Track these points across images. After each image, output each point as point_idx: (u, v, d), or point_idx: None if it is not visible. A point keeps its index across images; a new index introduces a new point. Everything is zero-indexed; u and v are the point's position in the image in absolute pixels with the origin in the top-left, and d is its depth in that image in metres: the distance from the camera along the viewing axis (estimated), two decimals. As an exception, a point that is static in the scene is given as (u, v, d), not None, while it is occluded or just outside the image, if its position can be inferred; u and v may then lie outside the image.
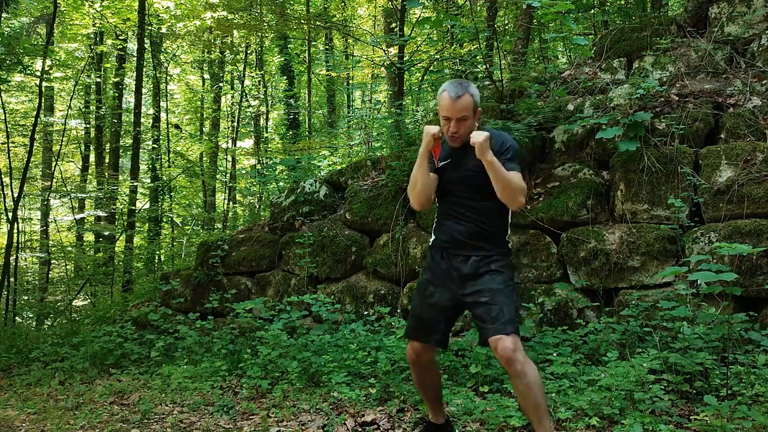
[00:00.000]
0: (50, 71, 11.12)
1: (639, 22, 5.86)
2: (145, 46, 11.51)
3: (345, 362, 4.26)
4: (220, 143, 15.78)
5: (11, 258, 8.85)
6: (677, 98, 4.83)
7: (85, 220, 13.90)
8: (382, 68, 11.54)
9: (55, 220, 15.01)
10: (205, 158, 16.41)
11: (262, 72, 15.58)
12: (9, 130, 10.91)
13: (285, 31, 12.45)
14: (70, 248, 13.29)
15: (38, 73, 9.08)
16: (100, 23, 12.44)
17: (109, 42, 13.28)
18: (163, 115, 15.03)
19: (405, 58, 9.37)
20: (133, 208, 10.94)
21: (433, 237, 2.95)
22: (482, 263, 2.77)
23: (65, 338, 6.38)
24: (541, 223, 4.76)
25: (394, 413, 3.58)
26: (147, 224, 12.39)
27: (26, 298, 12.15)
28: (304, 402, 3.87)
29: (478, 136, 2.69)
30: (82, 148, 15.33)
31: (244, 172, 15.46)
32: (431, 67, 10.34)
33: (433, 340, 2.85)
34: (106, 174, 12.31)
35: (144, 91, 12.18)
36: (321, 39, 15.45)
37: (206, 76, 17.02)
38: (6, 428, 3.88)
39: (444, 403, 3.17)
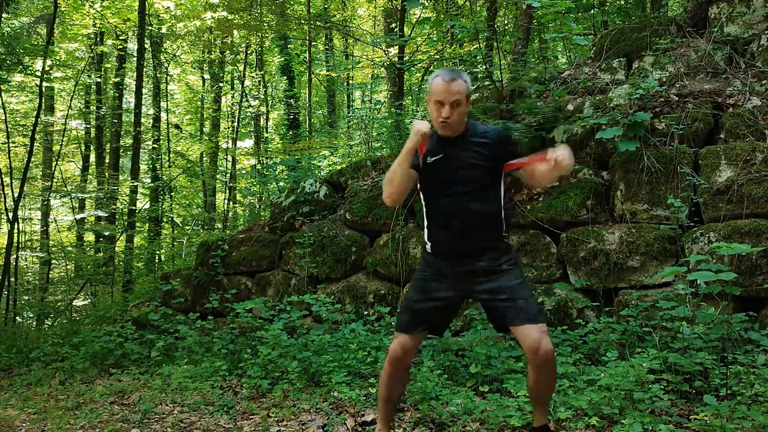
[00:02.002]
0: (50, 71, 11.14)
1: (639, 23, 5.86)
2: (146, 46, 11.52)
3: (345, 362, 4.27)
4: (220, 143, 15.78)
5: (11, 258, 8.85)
6: (677, 98, 4.84)
7: (86, 220, 13.91)
8: (382, 68, 11.54)
9: (56, 220, 15.01)
10: (205, 158, 16.41)
11: (262, 72, 15.58)
12: (9, 130, 10.91)
13: (285, 31, 12.45)
14: (70, 248, 13.29)
15: (38, 73, 9.08)
16: (101, 23, 12.45)
17: (110, 42, 13.29)
18: (163, 115, 15.04)
19: (405, 58, 9.38)
20: (134, 208, 10.94)
21: (429, 245, 2.80)
22: (492, 265, 2.70)
23: (65, 338, 6.38)
24: (540, 223, 4.77)
25: (394, 413, 3.58)
26: (147, 224, 12.39)
27: (26, 298, 12.15)
28: (304, 402, 3.87)
29: (567, 157, 2.50)
30: (83, 148, 15.34)
31: (244, 172, 15.46)
32: (431, 67, 10.35)
33: (430, 327, 2.83)
34: (107, 174, 12.31)
35: (144, 91, 12.18)
36: (321, 39, 15.45)
37: (206, 76, 17.02)
38: (6, 428, 3.88)
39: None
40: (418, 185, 2.83)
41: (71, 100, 13.45)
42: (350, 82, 16.86)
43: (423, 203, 2.86)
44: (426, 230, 2.82)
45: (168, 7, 11.72)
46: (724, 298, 3.84)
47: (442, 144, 2.74)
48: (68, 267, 13.31)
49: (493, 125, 4.86)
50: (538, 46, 10.45)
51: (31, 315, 10.64)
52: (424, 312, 2.79)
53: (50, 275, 12.68)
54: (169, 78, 15.74)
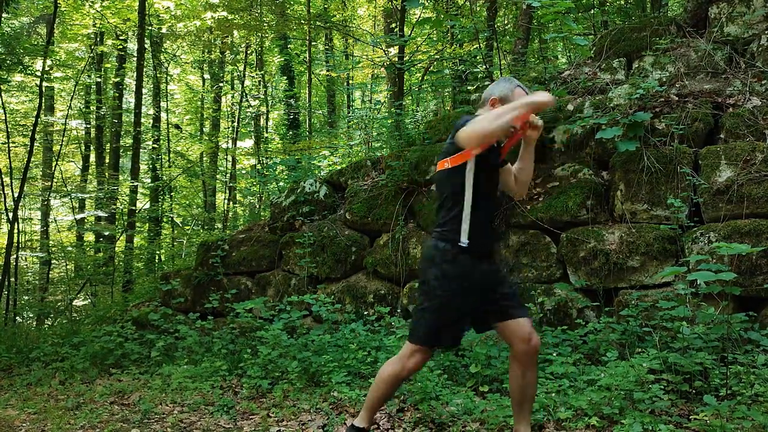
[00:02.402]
0: (50, 71, 11.14)
1: (639, 23, 5.86)
2: (146, 46, 11.52)
3: (345, 362, 4.27)
4: (220, 143, 15.79)
5: (11, 258, 8.85)
6: (677, 98, 4.84)
7: (86, 220, 13.91)
8: (382, 68, 11.54)
9: (56, 220, 15.02)
10: (205, 158, 16.42)
11: (262, 72, 15.59)
12: (9, 130, 10.92)
13: (285, 31, 12.46)
14: (70, 248, 13.29)
15: (38, 73, 9.08)
16: (101, 23, 12.45)
17: (110, 42, 13.29)
18: (163, 115, 15.05)
19: (405, 58, 9.39)
20: (134, 208, 10.94)
21: (473, 241, 2.70)
22: (500, 265, 2.91)
23: (65, 338, 6.38)
24: (540, 223, 4.77)
25: (394, 413, 3.59)
26: (147, 224, 12.40)
27: (26, 298, 12.15)
28: (304, 402, 3.87)
29: (538, 118, 2.72)
30: (83, 148, 15.34)
31: (244, 172, 15.46)
32: (431, 67, 10.35)
33: (457, 341, 2.87)
34: (107, 174, 12.31)
35: (144, 91, 12.19)
36: (321, 39, 15.46)
37: (206, 76, 17.03)
38: (6, 428, 3.88)
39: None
40: (471, 176, 2.72)
41: (71, 100, 13.46)
42: (350, 82, 16.86)
43: (469, 196, 2.72)
44: (462, 226, 2.71)
45: (168, 7, 11.72)
46: (724, 298, 3.84)
47: (492, 149, 2.75)
48: (68, 267, 13.32)
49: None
50: (538, 46, 10.45)
51: (31, 315, 10.64)
52: (452, 325, 2.77)
53: (50, 275, 12.68)
54: (169, 78, 15.74)
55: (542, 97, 2.53)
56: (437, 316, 2.74)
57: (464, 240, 2.70)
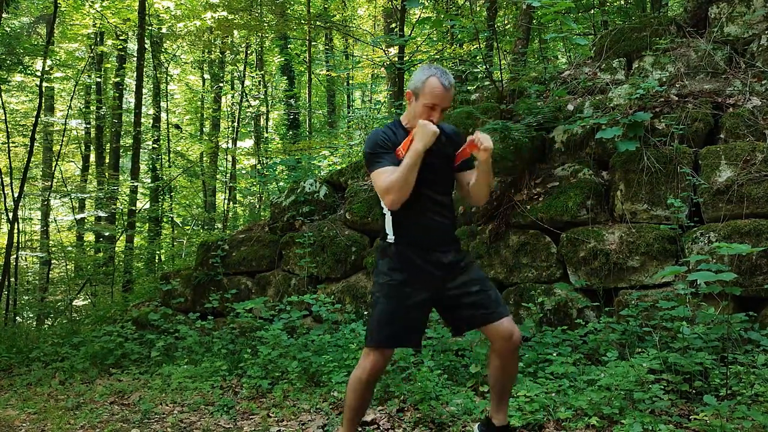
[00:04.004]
0: (50, 71, 11.14)
1: (639, 23, 5.86)
2: (146, 46, 11.52)
3: (345, 362, 4.27)
4: (220, 143, 15.80)
5: (11, 258, 8.85)
6: (677, 98, 4.84)
7: (86, 220, 13.92)
8: (382, 68, 11.54)
9: (56, 220, 15.02)
10: (205, 158, 16.42)
11: (262, 72, 15.59)
12: (9, 130, 10.93)
13: (285, 31, 12.46)
14: (70, 248, 13.30)
15: (38, 73, 9.09)
16: (101, 23, 12.46)
17: (110, 42, 13.30)
18: (163, 115, 15.05)
19: (405, 58, 9.38)
20: (134, 208, 10.95)
21: (400, 236, 2.73)
22: (458, 256, 2.79)
23: (65, 338, 6.39)
24: (540, 223, 4.77)
25: (394, 413, 3.59)
26: (147, 224, 12.40)
27: (26, 298, 12.15)
28: (304, 402, 3.87)
29: (488, 140, 2.63)
30: (83, 148, 15.35)
31: (244, 172, 15.47)
32: (431, 67, 10.32)
33: (413, 341, 2.80)
34: (107, 174, 12.32)
35: (144, 91, 12.19)
36: (321, 39, 15.46)
37: (206, 76, 17.03)
38: (6, 428, 3.88)
39: None
40: None
41: (71, 100, 13.46)
42: (350, 82, 16.88)
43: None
44: (394, 222, 2.74)
45: (168, 7, 11.72)
46: (724, 298, 3.84)
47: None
48: (68, 267, 13.32)
49: (493, 125, 4.88)
50: (538, 46, 10.44)
51: (31, 315, 10.65)
52: (402, 323, 2.71)
53: (50, 275, 12.69)
54: (169, 78, 15.74)
55: (426, 134, 2.57)
56: (385, 313, 2.71)
57: (390, 235, 2.76)
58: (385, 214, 2.78)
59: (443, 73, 2.66)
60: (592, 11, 8.37)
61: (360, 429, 3.41)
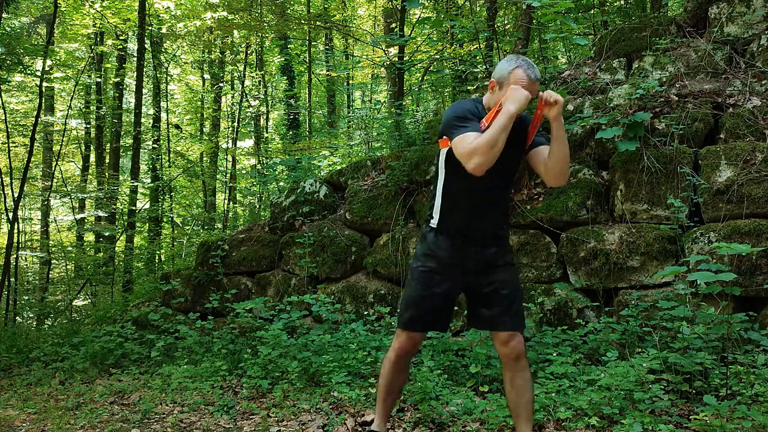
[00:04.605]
0: (50, 71, 11.14)
1: (639, 23, 5.86)
2: (146, 46, 11.52)
3: (345, 362, 4.27)
4: (220, 143, 15.79)
5: (11, 258, 8.85)
6: (677, 98, 4.84)
7: (86, 220, 13.91)
8: (382, 68, 11.54)
9: (56, 220, 15.02)
10: (205, 158, 16.42)
11: (262, 72, 15.59)
12: (9, 130, 10.93)
13: (285, 31, 12.46)
14: (70, 248, 13.30)
15: (38, 73, 9.09)
16: (101, 23, 12.45)
17: (110, 42, 13.29)
18: (163, 115, 15.05)
19: (405, 58, 9.39)
20: (134, 208, 10.95)
21: (442, 221, 2.70)
22: (500, 254, 2.73)
23: (65, 338, 6.38)
24: (540, 223, 4.77)
25: (394, 413, 3.59)
26: (147, 224, 12.40)
27: (26, 298, 12.15)
28: (304, 402, 3.87)
29: (556, 94, 2.50)
30: (83, 148, 15.35)
31: (244, 172, 15.47)
32: (431, 67, 10.34)
33: (438, 326, 2.82)
34: (107, 174, 12.32)
35: (144, 91, 12.19)
36: (321, 39, 15.45)
37: (206, 76, 17.03)
38: (6, 428, 3.88)
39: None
40: (443, 155, 2.69)
41: (71, 100, 13.46)
42: (350, 82, 16.87)
43: (441, 176, 2.72)
44: (442, 206, 2.70)
45: (168, 7, 11.72)
46: (724, 298, 3.85)
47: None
48: (68, 267, 13.32)
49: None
50: (538, 46, 10.44)
51: (31, 315, 10.64)
52: (428, 307, 2.74)
53: (50, 275, 12.68)
54: (169, 78, 15.74)
55: (519, 98, 2.47)
56: (411, 297, 2.76)
57: (435, 218, 2.74)
58: (435, 195, 2.73)
59: (530, 66, 2.60)
60: (592, 11, 8.36)
61: (360, 429, 3.41)
